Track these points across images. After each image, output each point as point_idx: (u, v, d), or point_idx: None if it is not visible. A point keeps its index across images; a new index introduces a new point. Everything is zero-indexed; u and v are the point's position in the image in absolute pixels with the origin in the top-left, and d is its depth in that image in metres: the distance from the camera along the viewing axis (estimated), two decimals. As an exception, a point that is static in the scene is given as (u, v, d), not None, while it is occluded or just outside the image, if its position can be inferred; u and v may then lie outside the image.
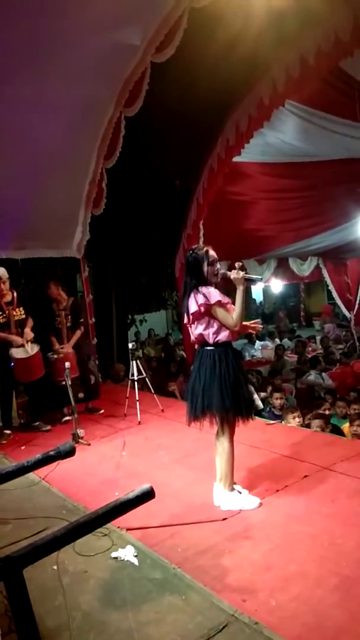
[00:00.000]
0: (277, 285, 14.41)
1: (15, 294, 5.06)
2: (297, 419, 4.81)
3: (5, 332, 4.92)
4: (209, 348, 3.06)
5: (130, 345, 5.52)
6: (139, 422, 5.09)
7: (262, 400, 6.30)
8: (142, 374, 5.43)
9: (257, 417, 5.19)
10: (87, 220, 6.78)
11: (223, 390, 2.95)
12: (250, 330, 3.39)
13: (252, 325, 3.29)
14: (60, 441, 4.45)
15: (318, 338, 11.85)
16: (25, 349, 4.90)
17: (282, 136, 6.45)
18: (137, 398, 5.22)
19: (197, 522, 2.92)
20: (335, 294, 12.29)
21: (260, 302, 18.15)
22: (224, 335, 3.03)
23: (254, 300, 17.87)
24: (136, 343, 6.92)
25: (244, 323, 3.15)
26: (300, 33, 4.86)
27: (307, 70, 4.95)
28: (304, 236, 9.79)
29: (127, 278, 8.63)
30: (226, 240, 7.89)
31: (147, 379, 5.58)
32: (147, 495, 1.51)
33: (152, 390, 5.59)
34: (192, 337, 3.15)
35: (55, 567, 2.51)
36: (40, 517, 3.07)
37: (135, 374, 5.35)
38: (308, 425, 4.75)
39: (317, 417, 4.82)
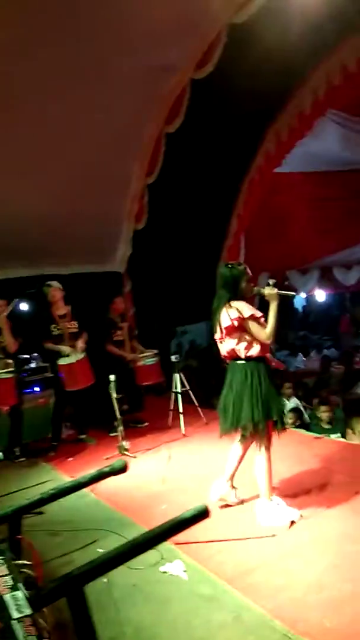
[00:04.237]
0: (321, 295, 14.13)
1: (69, 308, 5.20)
2: None
3: (59, 345, 5.04)
4: (240, 362, 3.07)
5: (173, 358, 5.54)
6: (184, 435, 5.09)
7: (309, 414, 6.15)
8: (185, 387, 5.43)
9: (304, 431, 5.12)
10: (130, 235, 6.90)
11: (253, 403, 2.96)
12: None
13: (276, 363, 3.35)
14: (106, 453, 4.58)
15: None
16: (70, 357, 5.01)
17: (323, 144, 6.39)
18: (181, 410, 5.23)
19: (246, 539, 2.88)
20: (381, 303, 11.92)
21: (303, 311, 17.81)
22: (255, 350, 3.04)
23: (296, 309, 17.56)
24: (179, 355, 6.94)
25: (271, 359, 3.21)
26: (340, 42, 4.83)
27: (348, 77, 4.91)
28: (348, 244, 9.59)
29: (168, 290, 8.69)
30: (267, 251, 7.85)
31: (190, 391, 5.58)
32: (203, 515, 1.52)
33: (196, 403, 5.58)
34: (223, 352, 3.16)
35: (105, 580, 2.53)
36: (89, 529, 3.11)
37: (179, 386, 5.36)
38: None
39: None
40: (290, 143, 5.83)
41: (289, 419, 5.58)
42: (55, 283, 5.21)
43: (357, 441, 4.55)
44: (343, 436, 4.80)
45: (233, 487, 3.33)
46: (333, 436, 4.89)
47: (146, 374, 5.63)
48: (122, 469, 1.86)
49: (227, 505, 3.32)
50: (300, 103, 5.50)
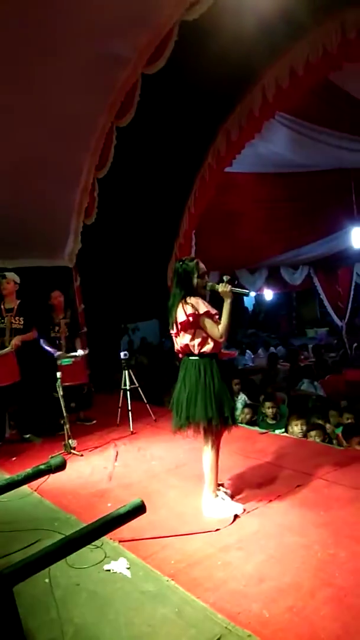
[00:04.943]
0: (269, 294, 14.48)
1: (17, 303, 5.04)
2: (300, 427, 4.76)
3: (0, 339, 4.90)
4: (193, 358, 3.10)
5: (122, 355, 5.50)
6: (132, 432, 5.07)
7: (254, 409, 6.28)
8: (134, 384, 5.41)
9: (249, 427, 5.22)
10: (79, 230, 6.79)
11: (207, 400, 2.99)
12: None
13: (227, 352, 3.43)
14: (53, 452, 4.48)
15: (310, 346, 11.89)
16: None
17: (273, 147, 6.53)
18: (130, 408, 5.20)
19: (190, 534, 2.90)
20: (326, 303, 12.36)
21: (252, 310, 18.18)
22: (209, 347, 3.07)
23: (247, 308, 17.90)
24: (128, 352, 6.91)
25: (223, 351, 3.27)
26: (290, 45, 4.93)
27: (296, 81, 5.03)
28: (295, 245, 9.87)
29: (118, 287, 8.62)
30: (218, 250, 7.94)
31: (139, 388, 5.56)
32: (139, 510, 1.50)
33: (145, 400, 5.57)
34: (177, 347, 3.19)
35: (47, 581, 2.48)
36: (32, 529, 3.03)
37: (128, 383, 5.33)
38: (306, 436, 4.74)
39: (314, 428, 4.81)
40: (240, 143, 5.90)
41: (245, 414, 5.69)
42: (11, 274, 5.05)
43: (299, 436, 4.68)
44: (287, 431, 4.93)
45: (218, 496, 3.25)
46: (277, 431, 5.02)
47: (66, 374, 5.10)
48: (61, 466, 1.82)
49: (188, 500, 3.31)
50: (251, 104, 5.57)
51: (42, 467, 1.78)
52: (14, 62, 4.32)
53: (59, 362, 5.16)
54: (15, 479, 1.75)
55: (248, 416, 5.78)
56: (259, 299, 16.77)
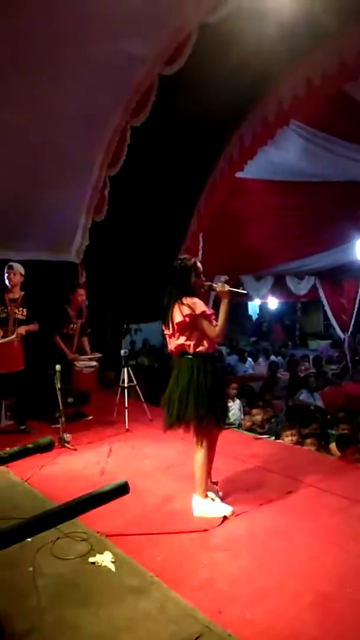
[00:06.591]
0: (274, 303, 14.48)
1: (22, 294, 5.07)
2: (291, 437, 4.75)
3: (2, 328, 4.93)
4: (188, 357, 3.10)
5: (122, 352, 5.51)
6: (127, 430, 5.07)
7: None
8: (132, 382, 5.41)
9: (245, 432, 5.22)
10: (88, 226, 6.81)
11: (199, 399, 2.99)
12: None
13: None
14: (46, 444, 4.48)
15: (311, 357, 11.86)
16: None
17: (285, 155, 6.52)
18: (127, 405, 5.20)
19: (177, 532, 2.89)
20: (330, 314, 12.33)
21: (257, 318, 18.18)
22: (203, 347, 3.08)
23: (250, 316, 17.89)
24: (130, 351, 6.93)
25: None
26: (308, 50, 4.95)
27: (312, 91, 5.03)
28: (301, 255, 9.86)
29: (124, 286, 8.64)
30: (224, 254, 7.94)
31: (137, 387, 5.56)
32: (122, 490, 1.48)
33: (142, 399, 5.57)
34: (171, 347, 3.18)
35: (31, 569, 2.49)
36: (17, 519, 3.02)
37: (126, 380, 5.33)
38: (302, 444, 4.72)
39: (310, 437, 4.79)
40: (253, 149, 5.91)
41: (246, 421, 5.68)
42: (17, 266, 5.08)
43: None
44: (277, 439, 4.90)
45: (212, 482, 3.35)
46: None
47: (81, 380, 5.38)
48: (48, 446, 1.82)
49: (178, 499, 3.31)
50: (265, 110, 5.59)
51: (30, 445, 1.79)
52: (35, 55, 4.35)
53: (77, 368, 5.27)
54: (2, 455, 1.76)
55: (249, 423, 5.77)
56: (263, 308, 16.78)
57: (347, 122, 5.68)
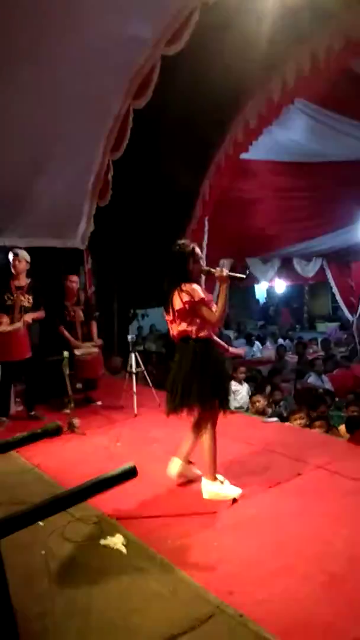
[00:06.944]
0: (281, 286, 14.39)
1: (28, 282, 5.07)
2: (300, 420, 4.74)
3: (8, 315, 4.92)
4: (190, 342, 3.09)
5: (129, 338, 5.51)
6: (136, 415, 5.08)
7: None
8: (140, 367, 5.42)
9: (253, 415, 5.22)
10: (92, 212, 6.76)
11: (202, 383, 3.00)
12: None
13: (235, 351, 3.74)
14: (56, 430, 4.51)
15: (319, 340, 11.81)
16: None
17: (291, 135, 6.42)
18: (135, 391, 5.22)
19: (187, 515, 2.91)
20: (338, 297, 12.24)
21: (264, 302, 18.10)
22: (205, 332, 3.08)
23: (257, 300, 17.80)
24: (137, 337, 6.93)
25: (231, 350, 3.59)
26: (313, 30, 4.83)
27: (317, 67, 4.94)
28: (308, 236, 9.76)
29: (130, 271, 8.61)
30: (231, 238, 7.89)
31: (145, 372, 5.57)
32: (130, 473, 1.48)
33: (150, 384, 5.58)
34: (173, 332, 3.18)
35: (43, 552, 2.51)
36: (28, 503, 3.06)
37: (134, 366, 5.34)
38: (310, 427, 4.72)
39: (318, 419, 4.79)
40: (258, 130, 5.82)
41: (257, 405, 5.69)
42: (23, 253, 5.07)
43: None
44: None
45: (189, 462, 3.36)
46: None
47: (83, 367, 5.40)
48: (56, 431, 1.83)
49: (189, 481, 3.32)
50: (270, 90, 5.49)
51: (39, 431, 1.80)
52: (35, 38, 4.27)
53: (77, 355, 5.26)
54: (11, 441, 1.77)
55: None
56: (270, 292, 16.68)
57: (353, 99, 5.56)
